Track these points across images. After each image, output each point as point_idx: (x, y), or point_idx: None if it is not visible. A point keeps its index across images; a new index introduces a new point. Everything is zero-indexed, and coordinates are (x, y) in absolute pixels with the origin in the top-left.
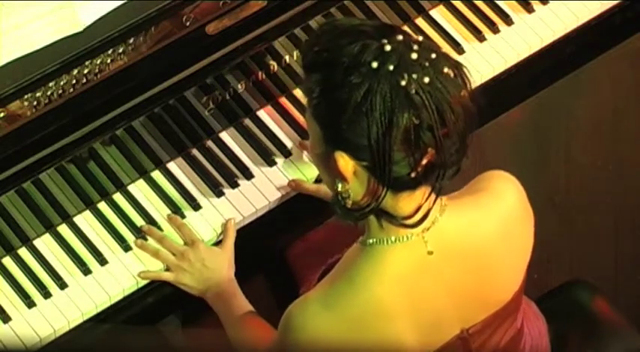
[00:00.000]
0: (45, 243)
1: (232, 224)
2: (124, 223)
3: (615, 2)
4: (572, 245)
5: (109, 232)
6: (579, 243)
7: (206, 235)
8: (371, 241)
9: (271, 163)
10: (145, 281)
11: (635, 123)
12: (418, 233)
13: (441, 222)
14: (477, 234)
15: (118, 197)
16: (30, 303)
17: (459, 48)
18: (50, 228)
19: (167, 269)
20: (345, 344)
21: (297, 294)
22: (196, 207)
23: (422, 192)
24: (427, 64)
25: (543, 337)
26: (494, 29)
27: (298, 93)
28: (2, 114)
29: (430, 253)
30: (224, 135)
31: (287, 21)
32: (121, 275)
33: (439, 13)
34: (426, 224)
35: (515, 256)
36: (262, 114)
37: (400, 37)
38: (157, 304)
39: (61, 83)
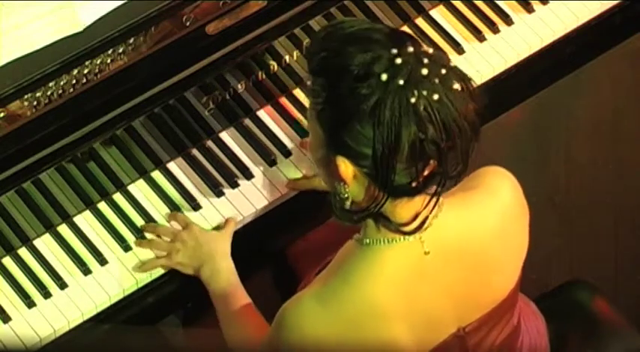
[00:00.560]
0: (45, 243)
1: (235, 218)
2: (124, 223)
3: (615, 2)
4: (572, 245)
5: (108, 232)
6: (579, 243)
7: None
8: (367, 241)
9: (271, 163)
10: (145, 281)
11: (635, 123)
12: (416, 233)
13: (438, 222)
14: (473, 232)
15: (118, 197)
16: (30, 303)
17: (459, 48)
18: (50, 228)
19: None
20: (339, 342)
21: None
22: (196, 207)
23: (421, 199)
24: (437, 80)
25: (542, 335)
26: (494, 29)
27: (298, 93)
28: (2, 114)
29: (427, 253)
30: (224, 135)
31: (287, 21)
32: (121, 275)
33: (439, 13)
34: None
35: (512, 253)
36: (262, 114)
37: (411, 49)
38: (157, 304)
39: (61, 83)
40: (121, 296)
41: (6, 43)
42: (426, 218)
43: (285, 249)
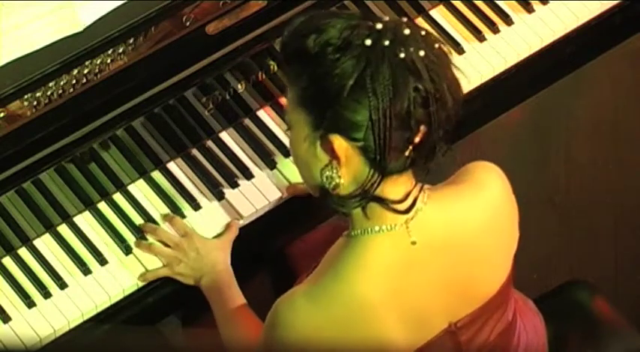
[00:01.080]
0: (45, 243)
1: (236, 223)
2: (124, 223)
3: (615, 2)
4: (572, 245)
5: (108, 232)
6: (579, 243)
7: (206, 235)
8: (354, 232)
9: (271, 163)
10: (145, 281)
11: (635, 123)
12: (401, 223)
13: (424, 212)
14: (460, 225)
15: (118, 197)
16: (30, 303)
17: (459, 48)
18: (50, 228)
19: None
20: (332, 338)
21: None
22: (196, 207)
23: (407, 177)
24: (420, 38)
25: (540, 333)
26: (494, 29)
27: None
28: (2, 114)
29: (414, 243)
30: (224, 135)
31: (287, 21)
32: (121, 275)
33: (439, 13)
34: (409, 214)
35: (501, 248)
36: (262, 114)
37: (387, 18)
38: (157, 304)
39: (61, 83)
40: (121, 296)
41: (6, 43)
42: (416, 198)
43: (284, 250)
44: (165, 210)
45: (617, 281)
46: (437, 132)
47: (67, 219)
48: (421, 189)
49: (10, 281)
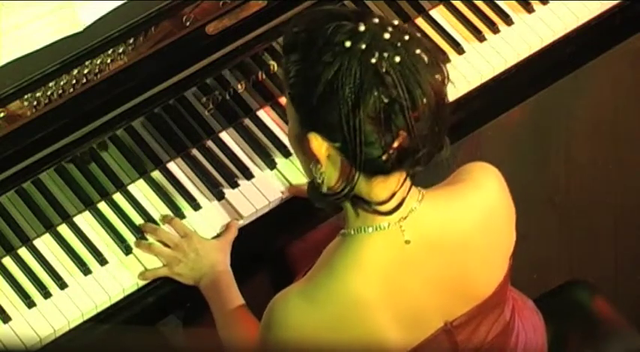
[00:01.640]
0: (45, 243)
1: (235, 223)
2: (124, 223)
3: (615, 2)
4: (572, 245)
5: (108, 232)
6: (579, 243)
7: (206, 235)
8: (348, 231)
9: (271, 163)
10: (145, 281)
11: (635, 123)
12: (395, 222)
13: (418, 211)
14: (456, 225)
15: (118, 197)
16: (30, 303)
17: (458, 48)
18: (50, 228)
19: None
20: (327, 337)
21: None
22: (196, 207)
23: (396, 179)
24: (399, 44)
25: (539, 333)
26: (494, 29)
27: None
28: (2, 114)
29: (407, 242)
30: (224, 135)
31: (287, 21)
32: (121, 275)
33: (439, 13)
34: (403, 212)
35: (497, 248)
36: (262, 114)
37: (376, 20)
38: (157, 304)
39: (61, 83)
40: (121, 296)
41: (6, 43)
42: (404, 199)
43: (284, 250)
44: (166, 210)
45: (617, 281)
46: (418, 137)
47: (67, 219)
48: (410, 189)
49: (10, 281)
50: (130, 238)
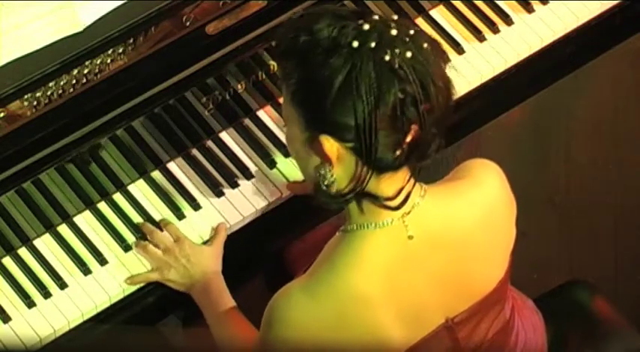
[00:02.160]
0: (45, 243)
1: (224, 226)
2: (124, 223)
3: (615, 2)
4: (572, 245)
5: (108, 232)
6: (579, 243)
7: (206, 235)
8: (351, 227)
9: (271, 163)
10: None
11: (635, 123)
12: (398, 217)
13: (421, 207)
14: (458, 221)
15: (118, 197)
16: (30, 303)
17: (458, 48)
18: (50, 228)
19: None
20: (328, 332)
21: None
22: (196, 207)
23: (403, 174)
24: (407, 39)
25: (539, 332)
26: (494, 29)
27: None
28: (2, 114)
29: (410, 237)
30: (224, 135)
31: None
32: (121, 275)
33: (439, 13)
34: (406, 208)
35: (497, 244)
36: (262, 114)
37: (376, 17)
38: (157, 304)
39: (61, 83)
40: (121, 296)
41: (6, 43)
42: (409, 194)
43: (284, 250)
44: (165, 210)
45: (617, 281)
46: (429, 130)
47: (67, 219)
48: (414, 184)
49: (10, 281)
50: (130, 238)
